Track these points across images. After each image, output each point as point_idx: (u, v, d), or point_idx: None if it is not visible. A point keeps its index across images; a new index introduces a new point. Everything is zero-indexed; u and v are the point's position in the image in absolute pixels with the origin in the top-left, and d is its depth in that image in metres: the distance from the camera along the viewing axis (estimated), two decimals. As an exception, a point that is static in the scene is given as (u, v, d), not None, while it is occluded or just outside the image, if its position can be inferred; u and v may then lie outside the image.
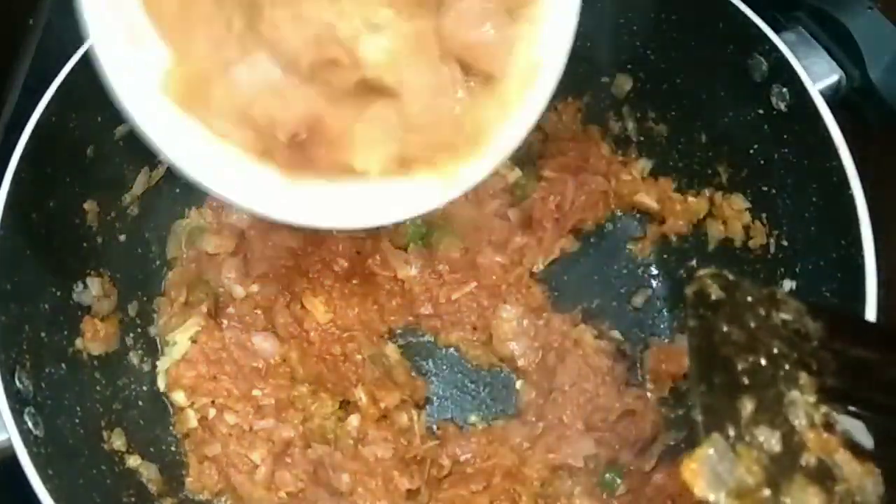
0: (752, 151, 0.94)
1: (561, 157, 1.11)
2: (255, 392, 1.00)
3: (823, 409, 0.63)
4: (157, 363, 1.02)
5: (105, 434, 0.91)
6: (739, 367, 0.62)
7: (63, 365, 0.89)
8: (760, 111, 0.90)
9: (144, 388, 1.00)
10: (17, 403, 0.79)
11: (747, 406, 0.61)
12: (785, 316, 0.66)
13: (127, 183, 1.00)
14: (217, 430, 0.98)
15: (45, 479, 0.76)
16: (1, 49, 1.18)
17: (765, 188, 0.93)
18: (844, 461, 0.61)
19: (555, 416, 0.97)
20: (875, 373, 0.66)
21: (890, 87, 0.89)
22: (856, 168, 0.81)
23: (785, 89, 0.87)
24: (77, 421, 0.88)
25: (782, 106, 0.88)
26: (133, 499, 0.90)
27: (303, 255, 1.05)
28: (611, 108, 1.09)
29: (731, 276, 0.66)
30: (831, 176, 0.83)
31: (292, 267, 1.04)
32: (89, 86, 0.90)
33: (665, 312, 1.06)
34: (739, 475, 0.58)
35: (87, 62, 0.89)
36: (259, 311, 1.04)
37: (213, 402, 0.99)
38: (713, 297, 0.65)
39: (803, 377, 0.64)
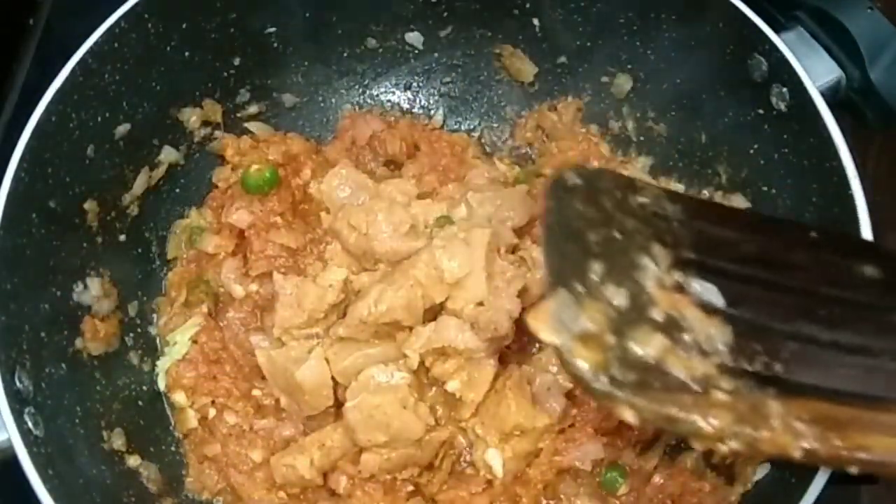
0: (752, 151, 0.94)
1: (561, 157, 1.11)
2: (255, 392, 1.00)
3: (676, 275, 0.66)
4: (157, 363, 1.02)
5: (105, 434, 0.91)
6: (592, 238, 0.66)
7: (63, 365, 0.89)
8: (760, 111, 0.90)
9: (144, 388, 1.00)
10: (17, 403, 0.78)
11: (596, 269, 0.64)
12: (643, 199, 0.70)
13: (127, 183, 1.00)
14: (217, 430, 0.98)
15: (45, 479, 0.76)
16: (1, 49, 1.18)
17: (765, 188, 0.93)
18: (693, 316, 0.64)
19: (565, 420, 0.95)
20: (731, 248, 0.70)
21: (890, 87, 0.89)
22: (856, 168, 0.81)
23: (785, 89, 0.87)
24: (77, 421, 0.88)
25: (782, 106, 0.88)
26: (133, 499, 0.90)
27: (302, 255, 1.05)
28: (611, 108, 1.09)
29: (590, 168, 0.70)
30: (831, 176, 0.83)
31: (292, 267, 1.04)
32: (89, 86, 0.91)
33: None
34: (583, 323, 0.61)
35: (88, 62, 0.90)
36: (259, 311, 1.04)
37: (213, 402, 0.99)
38: (569, 182, 0.70)
39: (657, 249, 0.67)
